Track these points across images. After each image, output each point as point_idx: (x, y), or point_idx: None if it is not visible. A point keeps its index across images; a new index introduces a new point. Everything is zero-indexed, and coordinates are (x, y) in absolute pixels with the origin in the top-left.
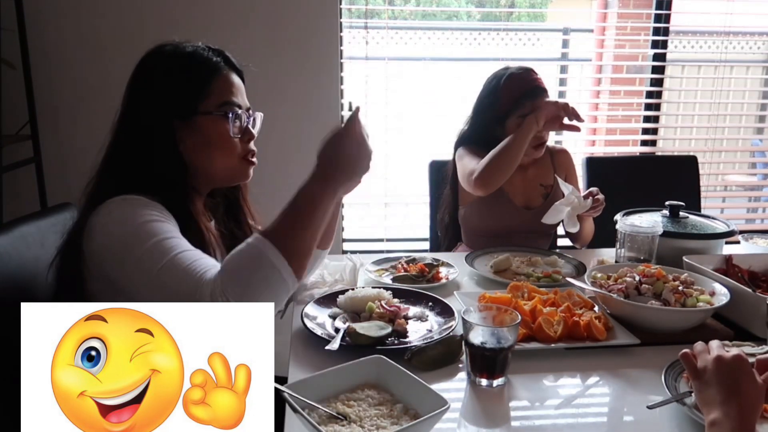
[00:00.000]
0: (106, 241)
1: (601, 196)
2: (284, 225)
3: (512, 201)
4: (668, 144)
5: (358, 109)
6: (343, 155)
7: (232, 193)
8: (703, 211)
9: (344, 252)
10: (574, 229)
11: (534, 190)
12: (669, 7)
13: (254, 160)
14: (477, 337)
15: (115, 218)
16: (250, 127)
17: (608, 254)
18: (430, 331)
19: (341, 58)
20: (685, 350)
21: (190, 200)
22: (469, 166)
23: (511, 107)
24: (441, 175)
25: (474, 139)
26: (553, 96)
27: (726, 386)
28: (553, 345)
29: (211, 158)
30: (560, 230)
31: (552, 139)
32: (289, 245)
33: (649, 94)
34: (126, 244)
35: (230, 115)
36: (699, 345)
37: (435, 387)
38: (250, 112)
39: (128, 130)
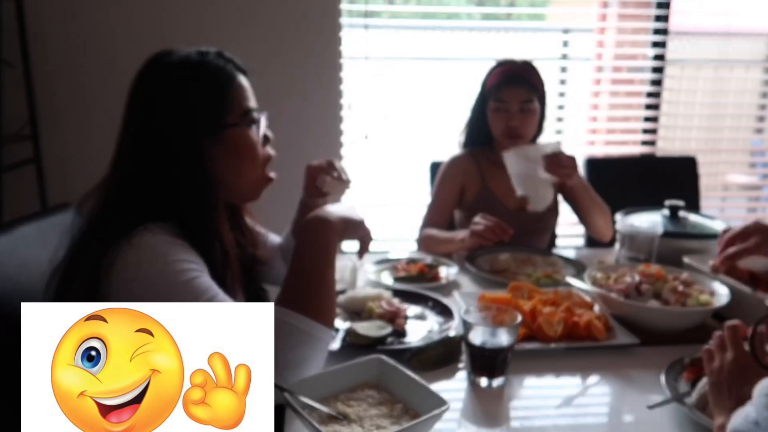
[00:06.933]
0: (138, 296)
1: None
2: (297, 287)
3: (505, 206)
4: (668, 144)
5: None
6: (334, 214)
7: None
8: (702, 211)
9: (344, 252)
10: (540, 206)
11: None
12: (669, 7)
13: (272, 175)
14: (477, 337)
15: (147, 273)
16: (266, 130)
17: (608, 254)
18: (430, 331)
19: (341, 58)
20: (707, 347)
21: (217, 219)
22: (425, 214)
23: (490, 92)
24: None
25: (468, 133)
26: (551, 95)
27: (738, 394)
28: (553, 345)
29: (240, 171)
30: (558, 231)
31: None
32: (308, 303)
33: (649, 94)
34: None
35: (255, 124)
36: (717, 338)
37: (435, 387)
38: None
39: (144, 150)
